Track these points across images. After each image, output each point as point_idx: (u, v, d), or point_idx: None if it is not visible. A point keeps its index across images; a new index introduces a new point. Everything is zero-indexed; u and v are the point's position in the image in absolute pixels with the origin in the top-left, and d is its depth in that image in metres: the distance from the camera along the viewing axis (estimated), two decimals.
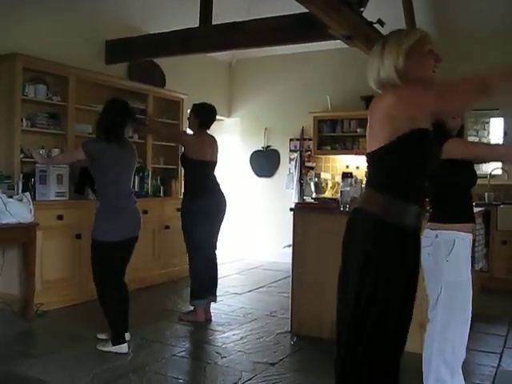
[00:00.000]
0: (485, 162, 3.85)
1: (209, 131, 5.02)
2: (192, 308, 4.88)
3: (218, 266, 5.01)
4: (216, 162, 4.98)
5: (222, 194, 4.91)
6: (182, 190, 5.04)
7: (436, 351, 2.84)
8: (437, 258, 2.81)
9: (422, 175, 2.12)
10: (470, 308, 2.91)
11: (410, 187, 2.06)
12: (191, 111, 4.97)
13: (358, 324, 2.04)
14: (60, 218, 5.14)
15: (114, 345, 3.89)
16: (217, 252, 5.00)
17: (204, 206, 4.71)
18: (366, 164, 2.19)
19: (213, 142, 4.99)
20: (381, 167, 2.07)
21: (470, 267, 2.94)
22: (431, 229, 2.86)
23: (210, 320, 4.85)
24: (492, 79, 1.91)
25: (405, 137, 1.98)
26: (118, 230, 3.88)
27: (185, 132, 4.92)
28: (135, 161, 4.20)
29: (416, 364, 2.87)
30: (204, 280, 4.79)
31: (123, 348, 3.88)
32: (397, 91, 2.03)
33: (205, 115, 4.94)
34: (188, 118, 5.07)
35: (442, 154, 2.71)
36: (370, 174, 2.18)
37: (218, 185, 4.93)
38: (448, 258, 2.79)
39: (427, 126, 2.05)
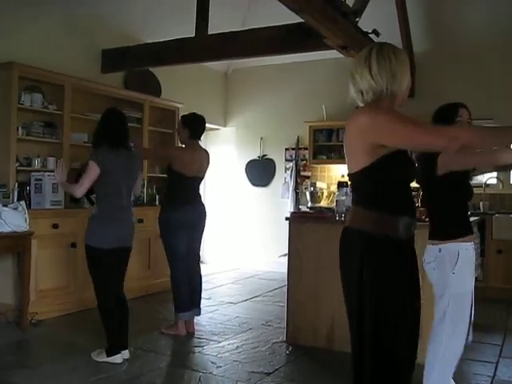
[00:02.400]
0: (485, 172, 3.61)
1: (203, 140, 4.98)
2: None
3: (211, 276, 4.96)
4: (202, 177, 4.87)
5: (202, 204, 4.86)
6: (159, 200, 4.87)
7: (440, 362, 2.84)
8: (442, 272, 2.79)
9: (406, 188, 2.17)
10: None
11: (396, 201, 2.11)
12: (180, 123, 4.85)
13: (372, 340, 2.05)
14: (55, 226, 5.12)
15: (108, 355, 3.87)
16: (200, 263, 4.96)
17: (183, 217, 4.62)
18: (349, 183, 2.22)
19: (203, 155, 4.84)
20: (364, 187, 2.13)
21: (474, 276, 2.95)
22: (433, 244, 2.85)
23: (193, 333, 4.73)
24: (466, 135, 1.97)
25: (382, 159, 2.03)
26: (108, 238, 3.84)
27: (174, 146, 4.80)
28: (137, 172, 4.14)
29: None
30: (185, 292, 4.70)
31: (117, 358, 3.86)
32: (371, 114, 2.03)
33: (195, 125, 4.78)
34: (177, 130, 5.00)
35: (439, 167, 2.77)
36: (355, 192, 2.20)
37: (199, 196, 4.87)
38: (454, 270, 2.77)
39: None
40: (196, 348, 4.38)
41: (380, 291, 2.03)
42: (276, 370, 3.86)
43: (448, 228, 2.87)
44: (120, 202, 3.94)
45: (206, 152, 4.93)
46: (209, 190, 8.53)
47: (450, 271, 2.77)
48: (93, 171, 3.80)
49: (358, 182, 2.14)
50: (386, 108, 2.06)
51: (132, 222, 4.06)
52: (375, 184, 2.08)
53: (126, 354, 3.94)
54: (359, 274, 2.05)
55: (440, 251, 2.81)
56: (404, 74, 2.11)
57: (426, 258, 2.88)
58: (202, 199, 4.92)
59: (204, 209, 4.87)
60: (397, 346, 2.05)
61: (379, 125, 1.99)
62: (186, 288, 4.71)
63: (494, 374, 3.79)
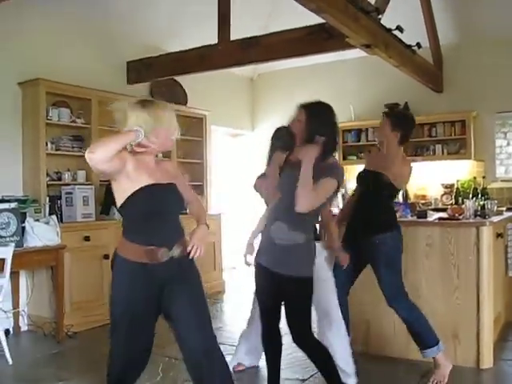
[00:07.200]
0: None
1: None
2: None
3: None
4: None
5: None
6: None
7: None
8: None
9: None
10: None
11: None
12: (389, 122, 3.64)
13: None
14: (87, 239, 5.17)
15: None
16: None
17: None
18: None
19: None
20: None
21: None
22: None
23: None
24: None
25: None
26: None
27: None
28: None
29: None
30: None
31: None
32: None
33: (408, 125, 3.68)
34: (383, 134, 3.71)
35: None
36: None
37: None
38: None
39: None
40: (229, 355, 4.33)
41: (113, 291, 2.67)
42: (311, 376, 3.80)
43: None
44: None
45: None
46: (239, 194, 8.51)
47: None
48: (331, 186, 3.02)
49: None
50: None
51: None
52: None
53: None
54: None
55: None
56: None
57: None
58: None
59: None
60: None
61: None
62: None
63: None
